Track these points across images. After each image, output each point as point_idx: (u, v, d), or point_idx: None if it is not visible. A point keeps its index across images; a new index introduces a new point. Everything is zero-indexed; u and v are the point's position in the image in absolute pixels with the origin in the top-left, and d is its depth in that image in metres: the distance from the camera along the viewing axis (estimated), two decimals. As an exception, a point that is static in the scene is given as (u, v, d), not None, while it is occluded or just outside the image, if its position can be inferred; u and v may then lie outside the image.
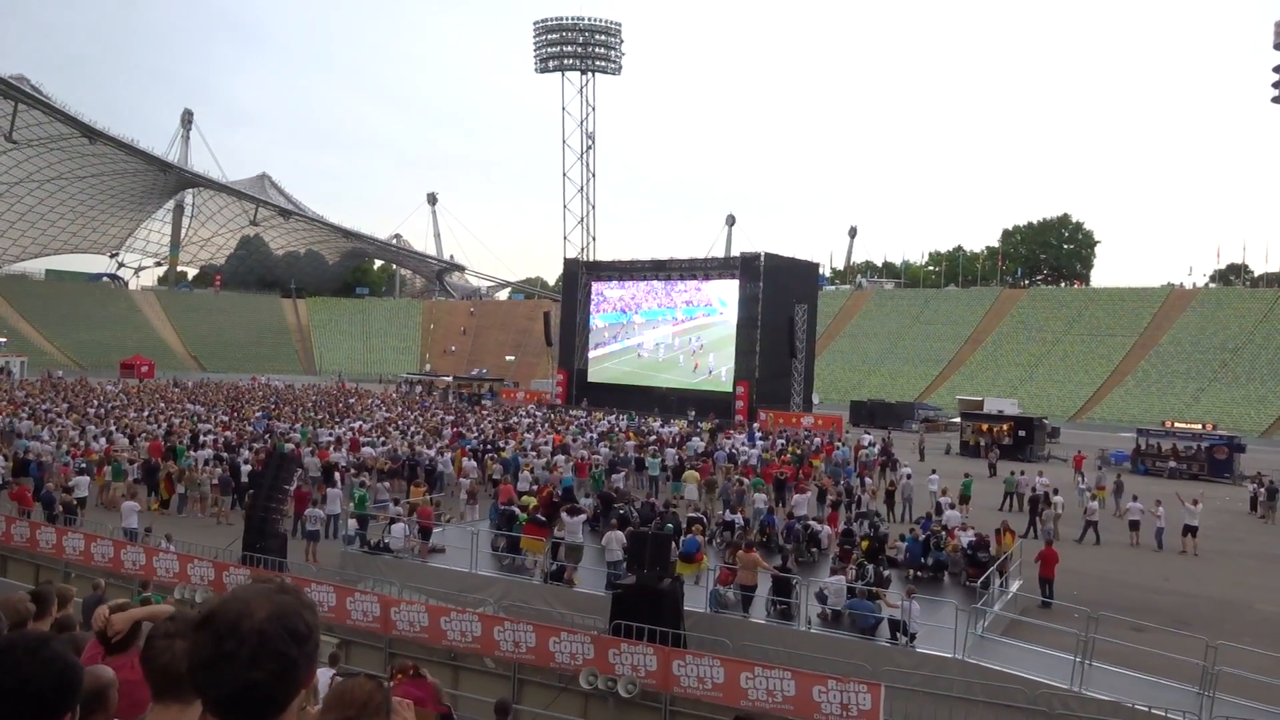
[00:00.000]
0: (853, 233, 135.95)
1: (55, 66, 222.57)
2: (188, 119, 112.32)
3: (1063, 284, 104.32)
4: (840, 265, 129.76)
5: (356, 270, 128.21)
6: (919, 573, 18.50)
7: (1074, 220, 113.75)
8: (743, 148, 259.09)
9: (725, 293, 54.15)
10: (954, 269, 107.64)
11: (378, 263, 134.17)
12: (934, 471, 28.46)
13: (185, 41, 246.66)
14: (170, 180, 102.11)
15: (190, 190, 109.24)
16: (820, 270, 74.04)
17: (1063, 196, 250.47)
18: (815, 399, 56.60)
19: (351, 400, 50.85)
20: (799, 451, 32.95)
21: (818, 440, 36.21)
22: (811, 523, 20.73)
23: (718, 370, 53.11)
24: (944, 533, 19.59)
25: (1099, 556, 23.13)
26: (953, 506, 22.59)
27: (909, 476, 27.79)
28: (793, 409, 49.81)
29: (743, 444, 34.26)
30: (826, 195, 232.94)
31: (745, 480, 25.88)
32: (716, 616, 15.49)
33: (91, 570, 18.30)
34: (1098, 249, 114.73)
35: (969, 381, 75.64)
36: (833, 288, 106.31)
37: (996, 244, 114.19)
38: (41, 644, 1.97)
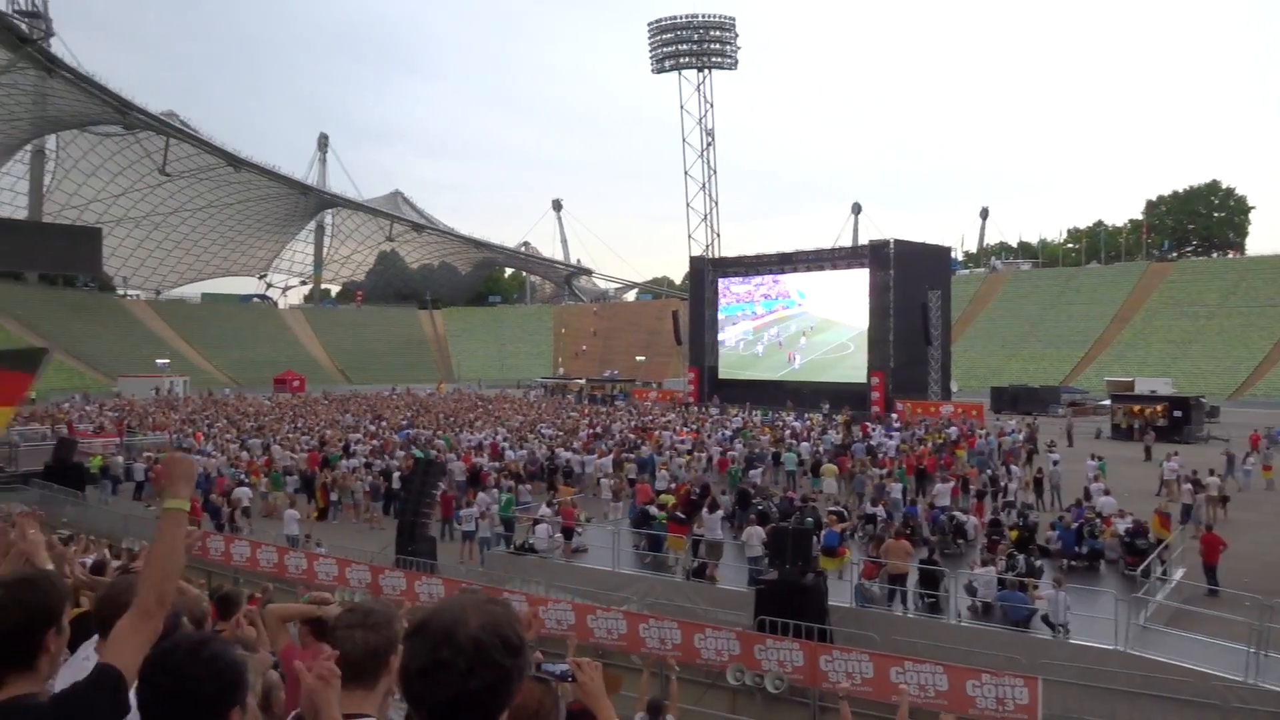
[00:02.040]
0: (984, 214, 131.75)
1: (197, 99, 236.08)
2: (323, 142, 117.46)
3: (1214, 254, 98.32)
4: (973, 248, 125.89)
5: (488, 279, 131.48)
6: (1073, 562, 17.84)
7: (1224, 186, 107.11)
8: (864, 134, 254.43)
9: (806, 285, 54.57)
10: (1095, 245, 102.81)
11: (508, 270, 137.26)
12: (1092, 457, 27.19)
13: (315, 66, 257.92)
14: (310, 202, 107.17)
15: (329, 210, 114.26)
16: (952, 254, 71.89)
17: (1210, 162, 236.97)
18: (953, 387, 55.10)
19: (489, 405, 52.19)
20: (940, 441, 32.15)
21: (954, 429, 35.18)
22: (956, 513, 20.23)
23: (804, 362, 53.80)
24: (1098, 520, 18.82)
25: (1272, 541, 21.77)
26: (1106, 493, 21.63)
27: (1056, 463, 26.77)
28: (930, 398, 48.58)
29: (880, 435, 33.65)
30: (955, 177, 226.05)
31: (884, 472, 25.43)
32: (862, 611, 15.28)
33: (258, 575, 19.40)
34: (1252, 215, 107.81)
35: (1117, 362, 72.22)
36: (966, 271, 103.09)
37: (1140, 216, 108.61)
38: (202, 644, 2.13)
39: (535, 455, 29.75)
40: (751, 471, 26.26)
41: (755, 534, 17.40)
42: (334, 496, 26.14)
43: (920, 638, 13.92)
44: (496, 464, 28.19)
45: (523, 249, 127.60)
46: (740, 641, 13.70)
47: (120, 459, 31.46)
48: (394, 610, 2.85)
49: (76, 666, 2.75)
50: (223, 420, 43.67)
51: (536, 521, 20.00)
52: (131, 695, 2.20)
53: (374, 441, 34.08)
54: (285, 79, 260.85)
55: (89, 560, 10.80)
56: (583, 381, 71.38)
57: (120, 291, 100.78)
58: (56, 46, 72.22)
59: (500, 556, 19.70)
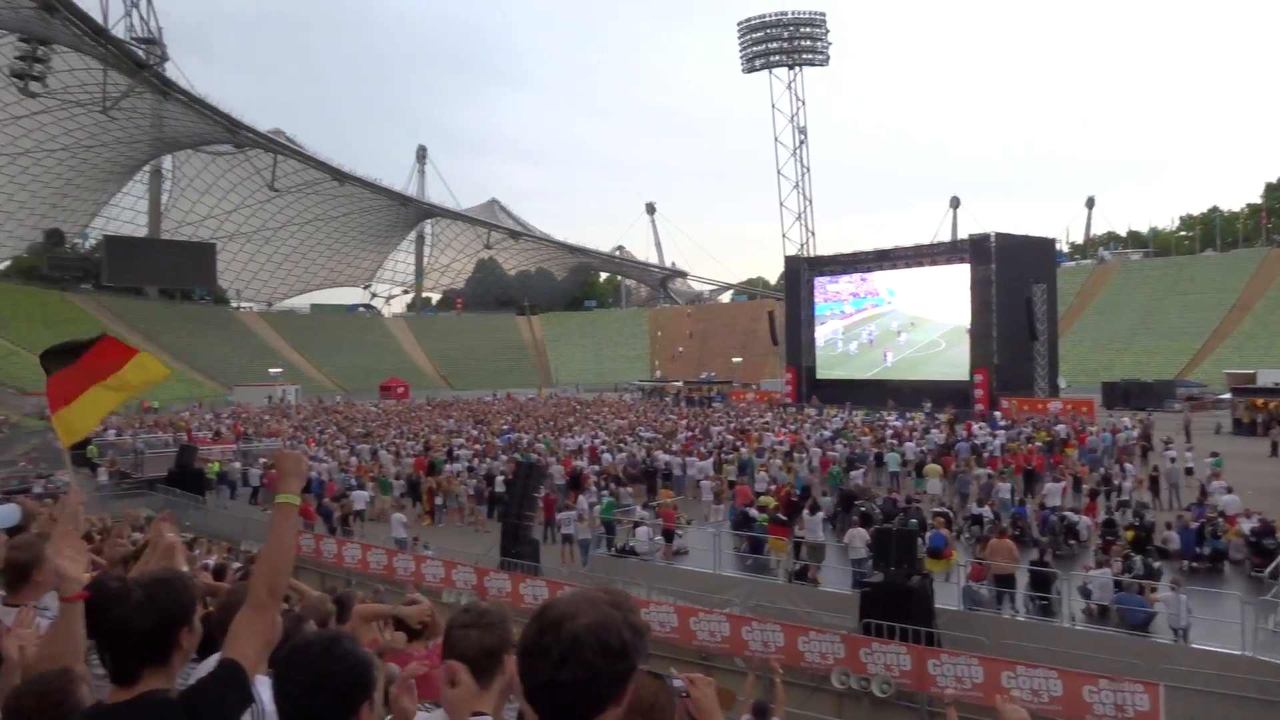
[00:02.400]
0: (1090, 203, 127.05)
1: (302, 117, 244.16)
2: (422, 154, 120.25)
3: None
4: (1079, 239, 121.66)
5: (584, 284, 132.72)
6: (1193, 564, 17.13)
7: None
8: (961, 126, 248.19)
9: (895, 282, 53.89)
10: (1210, 232, 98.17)
11: (603, 275, 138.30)
12: (1214, 454, 25.96)
13: (412, 81, 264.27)
14: (411, 213, 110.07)
15: (429, 220, 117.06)
16: (1057, 246, 69.68)
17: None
18: (1061, 383, 53.37)
19: (587, 409, 52.66)
20: (1048, 439, 31.20)
21: (1063, 427, 34.07)
22: (1067, 513, 19.62)
23: (896, 361, 53.21)
24: (1221, 519, 18.03)
25: None
26: (1229, 490, 20.67)
27: (1173, 460, 25.71)
28: (1037, 395, 47.15)
29: (985, 434, 32.84)
30: (1057, 167, 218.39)
31: (989, 472, 24.82)
32: (970, 614, 14.94)
33: (368, 577, 19.98)
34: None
35: (1236, 354, 68.86)
36: (1072, 263, 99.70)
37: (1259, 200, 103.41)
38: (334, 641, 2.24)
39: (635, 458, 29.90)
40: (853, 472, 25.91)
41: (858, 536, 17.18)
42: (439, 500, 26.73)
43: (1031, 641, 13.54)
44: (596, 467, 28.41)
45: (617, 253, 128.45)
46: (845, 645, 13.55)
47: (237, 465, 32.75)
48: (508, 611, 2.92)
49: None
50: (333, 427, 45.07)
51: (637, 524, 20.10)
52: (261, 690, 2.32)
53: (476, 446, 34.74)
54: (384, 95, 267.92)
55: (211, 562, 11.28)
56: (680, 384, 71.42)
57: (234, 304, 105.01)
58: (171, 71, 75.66)
59: (601, 559, 19.86)
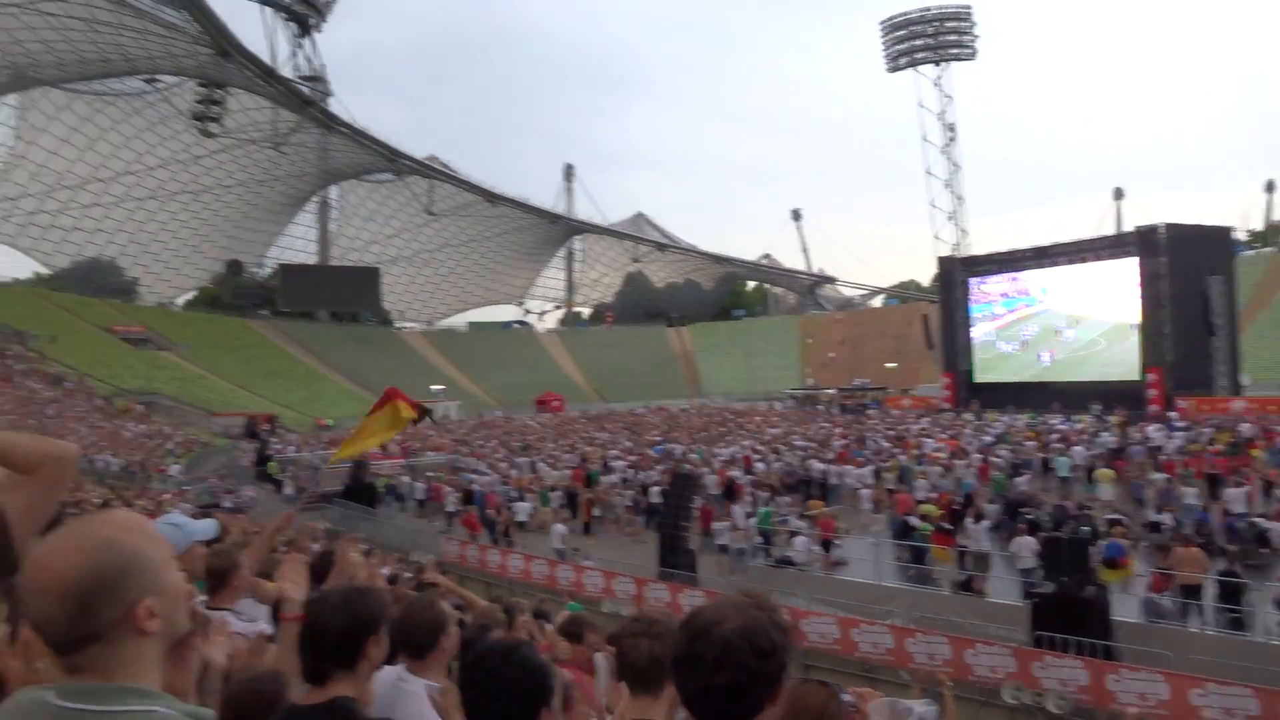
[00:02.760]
0: (1269, 187, 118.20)
1: (454, 143, 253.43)
2: (569, 172, 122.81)
3: None
4: (1258, 225, 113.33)
5: (731, 293, 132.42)
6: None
7: None
8: (1120, 115, 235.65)
9: (1047, 281, 51.81)
10: None
11: (750, 283, 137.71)
12: None
13: (557, 101, 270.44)
14: (560, 230, 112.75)
15: (577, 236, 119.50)
16: (1233, 235, 65.12)
17: None
18: (1244, 380, 49.84)
19: (739, 419, 52.52)
20: (1231, 440, 29.23)
21: (1248, 427, 31.78)
22: (1257, 519, 18.36)
23: (1054, 361, 51.34)
24: None
25: None
26: None
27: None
28: (1217, 393, 44.20)
29: (1162, 436, 31.06)
30: (1228, 151, 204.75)
31: (1168, 476, 23.46)
32: (1152, 626, 14.16)
33: (531, 587, 20.52)
34: None
35: None
36: (1251, 253, 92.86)
37: None
38: (514, 649, 2.37)
39: (791, 467, 29.67)
40: (1018, 479, 24.98)
41: (1026, 544, 16.58)
42: (596, 511, 27.21)
43: (1221, 657, 12.73)
44: (750, 477, 28.33)
45: (764, 261, 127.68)
46: (1016, 658, 13.09)
47: (405, 478, 34.23)
48: (676, 620, 3.01)
49: (389, 685, 3.03)
50: (493, 441, 46.50)
51: (794, 534, 19.96)
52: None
53: (631, 457, 35.18)
54: (531, 116, 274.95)
55: (385, 572, 11.85)
56: (832, 391, 70.36)
57: (397, 324, 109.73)
58: (333, 105, 79.87)
59: (759, 569, 19.80)
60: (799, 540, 19.41)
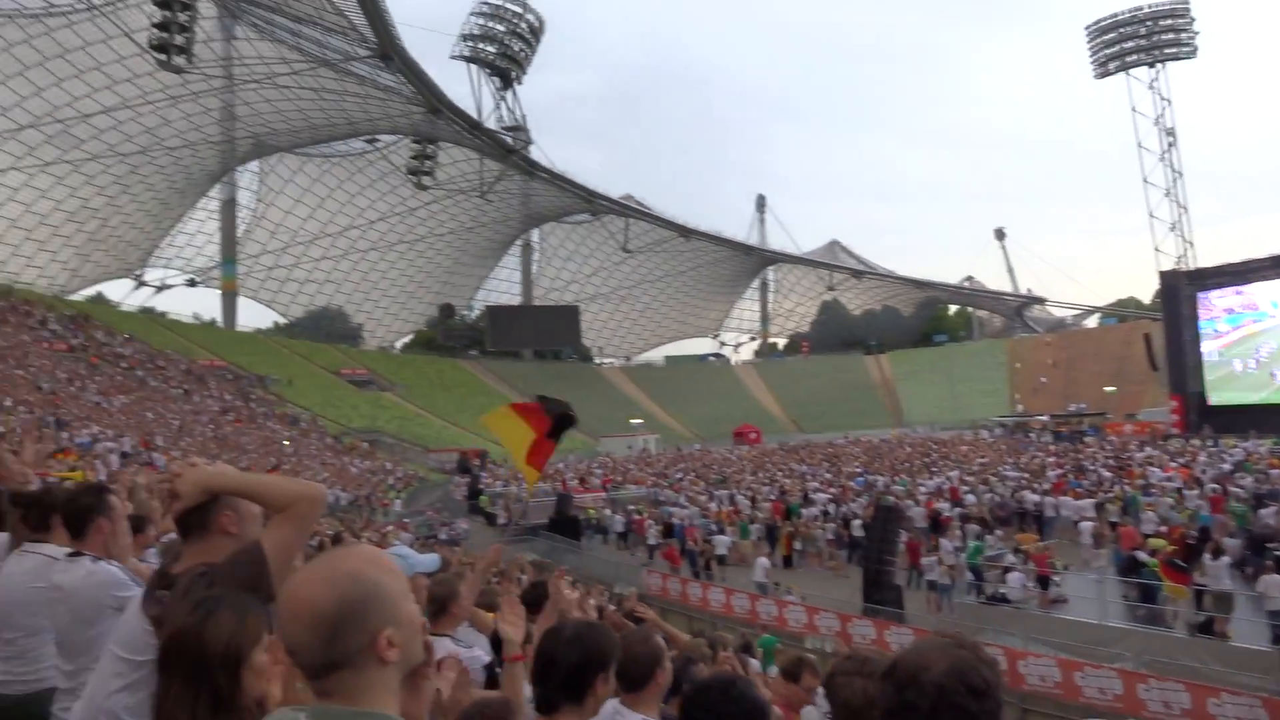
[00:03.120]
0: None
1: (647, 180, 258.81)
2: (760, 202, 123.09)
3: None
4: None
5: (932, 318, 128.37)
6: None
7: None
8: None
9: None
10: None
11: (953, 308, 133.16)
12: None
13: (746, 132, 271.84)
14: (753, 261, 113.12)
15: (771, 267, 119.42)
16: None
17: None
18: None
19: (945, 448, 50.66)
20: None
21: None
22: None
23: None
24: None
25: None
26: None
27: None
28: None
29: None
30: None
31: None
32: None
33: (732, 621, 20.44)
34: None
35: None
36: None
37: None
38: (730, 684, 2.38)
39: (1003, 499, 28.31)
40: (1263, 510, 22.80)
41: (1274, 584, 15.09)
42: (797, 545, 26.84)
43: None
44: (959, 509, 27.22)
45: (966, 284, 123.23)
46: (1268, 710, 11.90)
47: (607, 511, 34.95)
48: (887, 659, 2.95)
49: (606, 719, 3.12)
50: (691, 474, 46.82)
51: (1007, 569, 19.00)
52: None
53: (831, 489, 34.55)
54: (720, 149, 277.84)
55: (592, 603, 12.09)
56: (1045, 418, 66.72)
57: (597, 360, 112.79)
58: (534, 153, 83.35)
59: (970, 606, 18.93)
60: (1013, 576, 18.44)
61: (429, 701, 2.19)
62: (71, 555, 3.35)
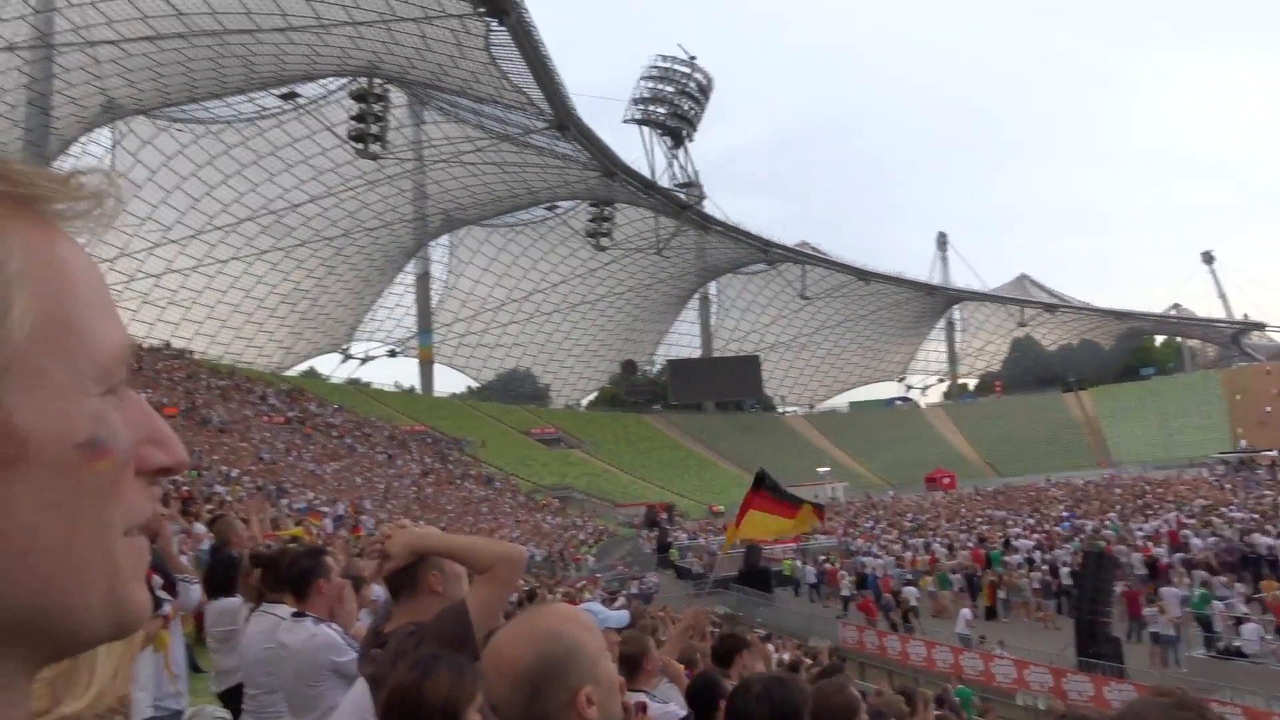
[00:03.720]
0: None
1: (822, 225, 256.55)
2: (942, 241, 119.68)
3: None
4: None
5: (1137, 351, 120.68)
6: None
7: None
8: None
9: None
10: None
11: (1159, 338, 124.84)
12: None
13: (923, 170, 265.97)
14: (937, 301, 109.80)
15: (956, 306, 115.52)
16: None
17: None
18: None
19: (1155, 489, 47.30)
20: None
21: None
22: None
23: None
24: None
25: None
26: None
27: None
28: None
29: None
30: None
31: None
32: None
33: (934, 675, 19.66)
34: None
35: None
36: None
37: None
38: None
39: (1229, 543, 26.11)
40: None
41: None
42: (1001, 595, 25.59)
43: None
44: (1179, 554, 25.29)
45: (1172, 312, 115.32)
46: None
47: (798, 562, 34.38)
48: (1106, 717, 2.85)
49: None
50: (883, 522, 45.53)
51: (1240, 620, 17.49)
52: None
53: (1035, 535, 32.80)
54: (898, 190, 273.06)
55: (785, 657, 11.96)
56: (1273, 453, 61.22)
57: (780, 409, 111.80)
58: (708, 207, 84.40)
59: (1199, 660, 17.51)
60: (1248, 628, 16.96)
61: None
62: (296, 615, 3.67)
